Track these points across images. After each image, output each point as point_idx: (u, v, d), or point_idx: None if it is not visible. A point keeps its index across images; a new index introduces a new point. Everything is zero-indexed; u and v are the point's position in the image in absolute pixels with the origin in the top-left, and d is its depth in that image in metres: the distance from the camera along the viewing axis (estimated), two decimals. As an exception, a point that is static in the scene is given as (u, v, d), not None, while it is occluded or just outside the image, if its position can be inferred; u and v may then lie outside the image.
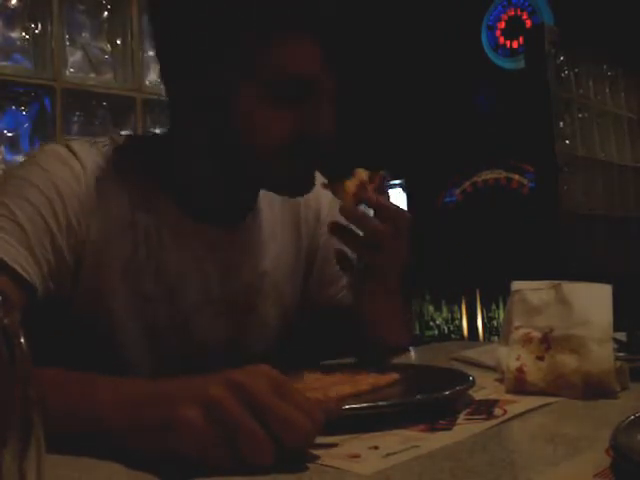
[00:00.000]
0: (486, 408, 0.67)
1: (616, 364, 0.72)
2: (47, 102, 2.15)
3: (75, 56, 2.24)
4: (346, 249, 0.93)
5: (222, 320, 0.91)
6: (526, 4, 4.25)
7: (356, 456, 0.53)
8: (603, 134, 3.62)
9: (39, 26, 2.14)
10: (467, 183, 4.37)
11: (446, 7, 4.25)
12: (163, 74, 0.84)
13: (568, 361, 0.72)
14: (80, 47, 2.25)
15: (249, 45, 0.76)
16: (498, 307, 4.02)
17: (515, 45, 4.27)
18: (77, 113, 2.25)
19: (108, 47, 2.33)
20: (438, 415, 0.64)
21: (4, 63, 2.10)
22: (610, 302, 0.75)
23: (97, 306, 0.83)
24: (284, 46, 0.76)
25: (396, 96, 4.19)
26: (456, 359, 0.98)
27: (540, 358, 0.74)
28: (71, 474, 0.51)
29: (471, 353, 0.98)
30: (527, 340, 0.76)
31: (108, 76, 2.31)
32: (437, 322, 4.39)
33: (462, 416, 0.65)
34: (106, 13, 2.32)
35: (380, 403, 0.64)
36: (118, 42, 2.33)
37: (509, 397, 0.72)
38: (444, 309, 4.36)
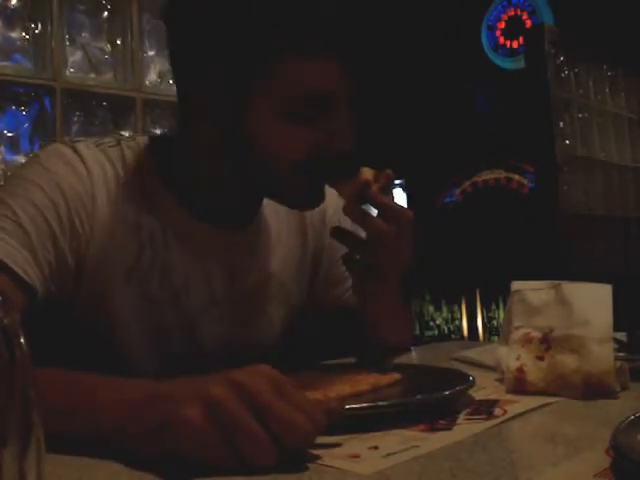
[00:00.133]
0: (486, 408, 0.67)
1: (616, 364, 0.72)
2: (47, 102, 2.15)
3: (75, 56, 2.24)
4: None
5: (227, 322, 0.91)
6: (526, 4, 4.25)
7: (356, 456, 0.53)
8: (603, 134, 3.61)
9: (39, 26, 2.14)
10: (467, 183, 4.37)
11: (446, 7, 4.25)
12: (178, 83, 0.84)
13: (568, 361, 0.72)
14: (80, 47, 2.25)
15: (267, 62, 0.75)
16: (498, 307, 4.02)
17: (515, 45, 4.27)
18: (77, 113, 2.25)
19: (108, 47, 2.33)
20: (438, 415, 0.64)
21: (4, 63, 2.10)
22: (610, 302, 0.75)
23: (100, 308, 0.82)
24: (302, 63, 0.75)
25: (396, 96, 4.19)
26: (456, 359, 0.98)
27: (540, 358, 0.74)
28: (71, 474, 0.51)
29: (471, 353, 0.98)
30: (527, 340, 0.76)
31: (108, 76, 2.31)
32: (437, 322, 4.39)
33: (462, 416, 0.65)
34: (106, 13, 2.32)
35: (380, 403, 0.64)
36: (118, 42, 2.33)
37: (509, 397, 0.72)
38: (444, 309, 4.36)
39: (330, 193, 0.94)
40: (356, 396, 0.68)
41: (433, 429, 0.61)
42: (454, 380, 0.72)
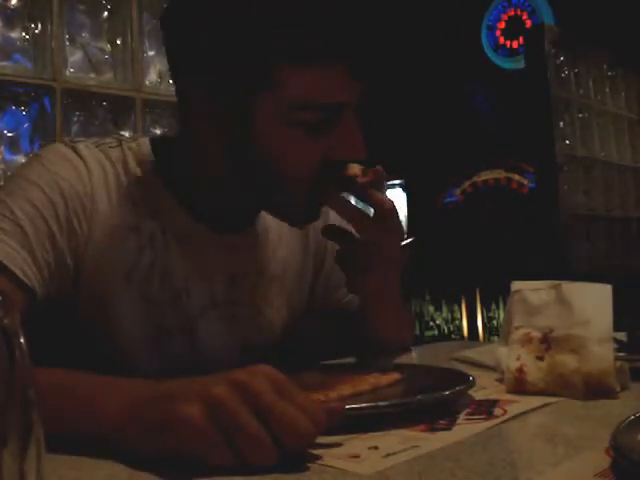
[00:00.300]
0: (486, 408, 0.67)
1: (616, 364, 0.72)
2: (47, 102, 2.15)
3: (75, 56, 2.24)
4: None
5: (228, 324, 0.91)
6: (526, 4, 4.25)
7: (356, 456, 0.53)
8: (603, 134, 3.61)
9: (39, 26, 2.14)
10: (467, 183, 4.38)
11: (446, 7, 4.26)
12: (178, 91, 0.82)
13: (568, 361, 0.72)
14: (80, 47, 2.25)
15: (269, 72, 0.73)
16: (498, 307, 4.02)
17: (515, 45, 4.27)
18: (77, 113, 2.25)
19: (108, 47, 2.33)
20: (438, 415, 0.64)
21: (4, 63, 2.09)
22: (610, 302, 0.75)
23: (100, 309, 0.82)
24: (308, 73, 0.73)
25: (396, 96, 4.19)
26: (456, 359, 0.98)
27: (540, 358, 0.74)
28: (71, 474, 0.51)
29: (471, 353, 0.98)
30: (527, 340, 0.76)
31: (108, 76, 2.31)
32: (437, 322, 4.39)
33: (462, 416, 0.65)
34: (106, 13, 2.32)
35: (380, 403, 0.64)
36: (118, 42, 2.33)
37: (509, 397, 0.72)
38: (444, 309, 4.36)
39: None
40: (356, 396, 0.68)
41: (433, 429, 0.61)
42: (454, 380, 0.71)
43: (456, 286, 4.23)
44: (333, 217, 1.02)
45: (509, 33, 4.30)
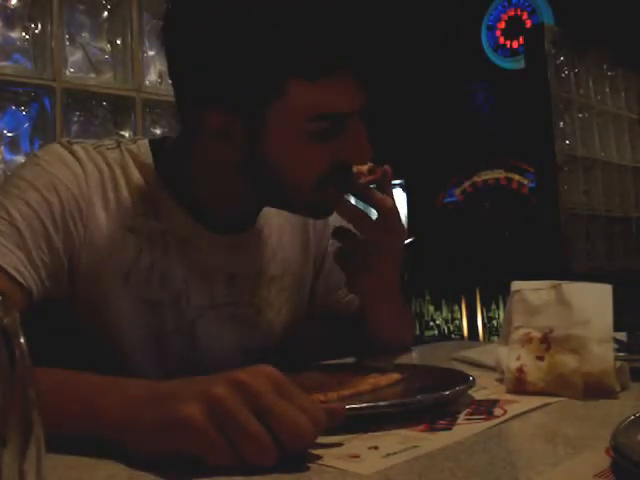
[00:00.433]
0: (486, 408, 0.67)
1: (616, 364, 0.72)
2: (47, 102, 2.15)
3: (75, 56, 2.24)
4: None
5: (228, 325, 0.91)
6: (526, 4, 4.25)
7: (356, 456, 0.53)
8: (603, 134, 3.61)
9: (39, 26, 2.14)
10: (467, 183, 4.38)
11: (446, 7, 4.26)
12: (179, 97, 0.81)
13: (568, 361, 0.72)
14: (80, 47, 2.25)
15: (278, 84, 0.72)
16: (498, 307, 4.02)
17: (515, 45, 4.27)
18: (77, 113, 2.25)
19: (108, 47, 2.33)
20: (438, 415, 0.64)
21: (4, 63, 2.09)
22: (610, 302, 0.75)
23: (99, 310, 0.82)
24: (325, 88, 0.73)
25: (396, 96, 4.19)
26: (456, 359, 0.98)
27: (540, 358, 0.74)
28: (71, 474, 0.51)
29: (471, 353, 0.98)
30: (527, 340, 0.76)
31: (108, 76, 2.31)
32: (437, 322, 4.39)
33: (462, 416, 0.65)
34: (106, 13, 2.32)
35: (380, 403, 0.64)
36: (118, 42, 2.33)
37: (509, 397, 0.72)
38: (444, 309, 4.36)
39: None
40: (356, 396, 0.68)
41: (433, 429, 0.61)
42: (454, 380, 0.71)
43: (456, 286, 4.23)
44: (333, 217, 1.02)
45: (509, 33, 4.30)
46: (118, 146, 0.87)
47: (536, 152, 3.31)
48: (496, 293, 3.94)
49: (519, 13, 4.29)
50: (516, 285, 0.83)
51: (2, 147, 2.11)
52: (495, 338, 3.75)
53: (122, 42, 2.33)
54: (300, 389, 0.54)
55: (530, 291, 0.80)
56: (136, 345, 0.84)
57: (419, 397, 0.66)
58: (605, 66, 3.69)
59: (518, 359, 0.75)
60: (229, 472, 0.49)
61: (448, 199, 4.45)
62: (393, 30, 3.53)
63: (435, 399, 0.67)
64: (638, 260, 3.59)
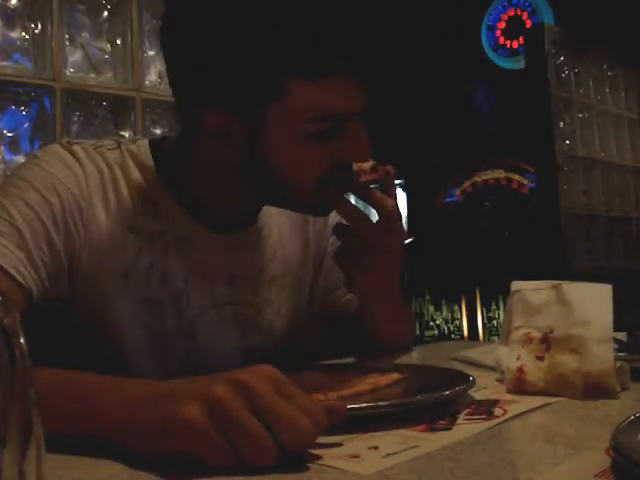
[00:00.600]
0: (486, 408, 0.67)
1: (616, 364, 0.72)
2: (47, 102, 2.15)
3: (75, 56, 2.24)
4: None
5: (228, 324, 0.91)
6: (526, 4, 4.25)
7: (356, 456, 0.53)
8: (603, 134, 3.61)
9: (39, 26, 2.14)
10: (467, 183, 4.38)
11: (446, 7, 4.26)
12: (178, 98, 0.81)
13: (568, 361, 0.72)
14: (80, 47, 2.25)
15: (289, 88, 0.72)
16: (498, 307, 4.02)
17: (515, 45, 4.27)
18: (77, 113, 2.25)
19: (108, 47, 2.33)
20: (438, 415, 0.64)
21: (4, 63, 2.09)
22: (610, 302, 0.75)
23: (99, 310, 0.82)
24: (325, 88, 0.73)
25: (396, 96, 4.19)
26: (456, 359, 0.98)
27: (540, 358, 0.74)
28: (71, 474, 0.51)
29: (471, 353, 0.98)
30: (527, 340, 0.76)
31: (108, 76, 2.31)
32: (437, 322, 4.39)
33: (462, 416, 0.65)
34: (106, 13, 2.32)
35: (380, 403, 0.64)
36: (118, 42, 2.33)
37: (509, 397, 0.72)
38: (444, 309, 4.36)
39: None
40: (356, 396, 0.68)
41: (433, 429, 0.61)
42: (454, 380, 0.71)
43: (456, 286, 4.23)
44: (333, 216, 1.02)
45: (509, 33, 4.30)
46: (118, 146, 0.87)
47: (536, 152, 3.31)
48: (496, 293, 3.94)
49: (519, 13, 4.29)
50: (516, 285, 0.83)
51: (2, 147, 2.11)
52: (495, 338, 3.75)
53: (122, 42, 2.33)
54: (300, 389, 0.54)
55: (530, 291, 0.80)
56: (136, 345, 0.84)
57: (419, 397, 0.66)
58: (605, 66, 3.69)
59: (518, 359, 0.75)
60: (229, 472, 0.49)
61: (448, 199, 4.45)
62: (393, 30, 3.52)
63: (435, 399, 0.67)
64: (638, 260, 3.59)
